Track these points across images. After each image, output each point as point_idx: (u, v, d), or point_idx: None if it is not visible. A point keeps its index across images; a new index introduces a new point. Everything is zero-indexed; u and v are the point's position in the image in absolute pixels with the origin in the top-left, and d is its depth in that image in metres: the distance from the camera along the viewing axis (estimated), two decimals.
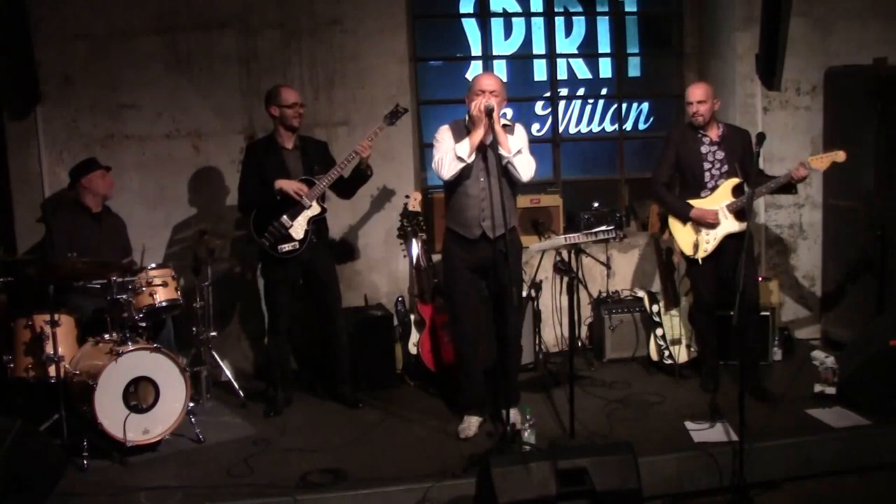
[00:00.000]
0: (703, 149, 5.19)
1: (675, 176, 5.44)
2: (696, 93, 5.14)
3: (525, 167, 4.59)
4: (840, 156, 4.97)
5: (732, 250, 5.02)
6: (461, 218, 4.70)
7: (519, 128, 4.75)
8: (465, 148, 4.54)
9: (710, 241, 5.17)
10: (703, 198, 5.20)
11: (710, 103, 5.13)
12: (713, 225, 5.13)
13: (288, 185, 4.98)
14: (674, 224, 5.32)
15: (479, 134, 4.53)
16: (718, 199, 5.15)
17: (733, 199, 5.11)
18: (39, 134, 5.66)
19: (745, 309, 5.06)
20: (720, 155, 5.17)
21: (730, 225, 5.11)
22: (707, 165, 5.18)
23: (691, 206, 5.18)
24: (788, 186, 5.11)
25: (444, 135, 4.69)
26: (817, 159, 5.01)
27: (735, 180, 5.13)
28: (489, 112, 4.46)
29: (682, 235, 5.27)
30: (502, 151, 4.51)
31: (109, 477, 4.39)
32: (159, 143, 5.87)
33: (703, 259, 5.19)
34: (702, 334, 5.47)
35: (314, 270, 5.20)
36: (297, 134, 5.19)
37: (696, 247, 5.19)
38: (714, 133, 5.19)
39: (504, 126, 4.62)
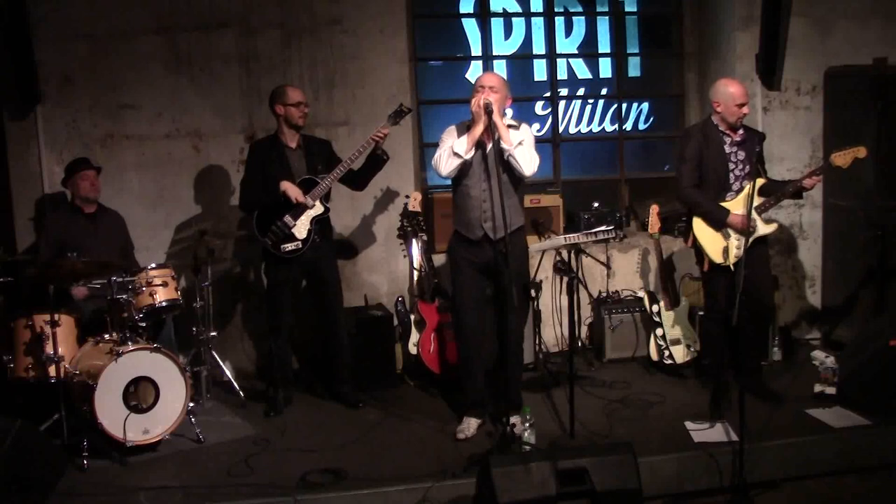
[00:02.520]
0: (727, 149, 5.04)
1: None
2: (746, 93, 5.01)
3: (526, 161, 4.58)
4: (861, 151, 4.86)
5: (756, 257, 4.95)
6: (464, 219, 4.70)
7: (524, 126, 4.74)
8: (463, 144, 4.54)
9: (740, 245, 4.95)
10: (728, 200, 5.03)
11: None
12: (750, 231, 4.91)
13: (291, 191, 4.98)
14: (701, 230, 5.08)
15: (477, 130, 4.53)
16: (745, 201, 4.87)
17: (760, 201, 4.97)
18: (39, 134, 5.66)
19: (760, 313, 5.13)
20: (741, 155, 5.02)
21: (760, 228, 4.99)
22: (731, 166, 5.04)
23: (728, 211, 4.98)
24: (798, 193, 5.04)
25: (448, 135, 4.70)
26: (840, 156, 4.87)
27: (760, 181, 4.98)
28: (488, 109, 4.46)
29: (711, 241, 5.05)
30: (503, 144, 4.51)
31: (109, 477, 4.39)
32: (159, 143, 5.87)
33: (734, 265, 4.96)
34: (713, 345, 5.25)
35: (317, 271, 5.20)
36: (301, 133, 5.19)
37: (725, 252, 5.00)
38: (737, 134, 5.05)
39: (509, 126, 4.62)
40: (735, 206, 5.01)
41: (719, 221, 5.02)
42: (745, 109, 4.99)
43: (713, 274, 5.10)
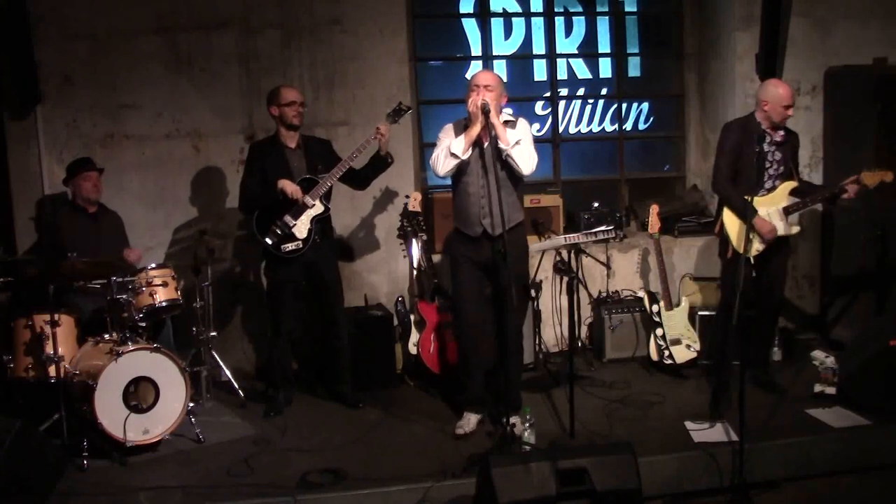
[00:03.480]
0: (766, 147, 5.07)
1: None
2: (793, 95, 5.08)
3: (524, 159, 4.58)
4: (889, 175, 4.97)
5: (777, 252, 5.09)
6: (463, 216, 4.71)
7: (522, 122, 4.74)
8: (460, 145, 4.54)
9: (762, 242, 5.06)
10: (759, 196, 5.07)
11: None
12: (770, 238, 5.03)
13: (288, 186, 4.98)
14: (730, 218, 5.13)
15: (474, 130, 4.54)
16: (776, 200, 5.08)
17: (788, 203, 5.07)
18: (39, 134, 5.66)
19: (770, 310, 5.22)
20: (778, 156, 5.10)
21: (783, 227, 5.07)
22: (766, 164, 5.10)
23: (755, 212, 5.00)
24: (833, 198, 5.12)
25: (445, 134, 4.71)
26: (869, 175, 4.98)
27: (792, 183, 5.09)
28: (485, 109, 4.46)
29: (737, 231, 5.09)
30: (501, 144, 4.52)
31: (109, 477, 4.39)
32: (159, 143, 5.87)
33: (752, 258, 5.04)
34: (721, 338, 5.24)
35: (318, 271, 5.20)
36: (301, 133, 5.19)
37: (749, 245, 5.00)
38: (778, 134, 5.12)
39: (506, 122, 4.62)
40: (762, 203, 5.07)
41: (744, 218, 5.02)
42: (790, 111, 5.07)
43: (732, 263, 5.09)
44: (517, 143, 4.57)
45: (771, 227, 5.02)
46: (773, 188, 5.11)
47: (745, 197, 5.00)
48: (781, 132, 5.13)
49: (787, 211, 5.07)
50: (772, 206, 5.07)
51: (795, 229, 5.13)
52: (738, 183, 5.14)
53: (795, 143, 5.22)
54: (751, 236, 5.03)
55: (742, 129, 5.16)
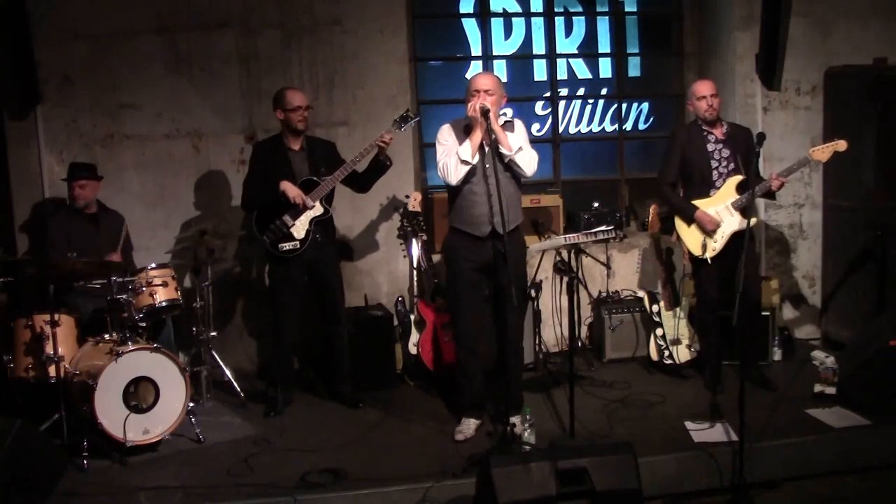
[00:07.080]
0: (710, 147, 5.22)
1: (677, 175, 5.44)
2: (708, 86, 5.20)
3: (527, 163, 4.60)
4: (841, 145, 5.00)
5: (739, 249, 5.07)
6: (468, 216, 4.67)
7: (518, 124, 4.76)
8: (468, 151, 4.55)
9: (717, 240, 5.19)
10: (711, 196, 5.22)
11: (718, 97, 5.21)
12: (713, 229, 5.15)
13: (290, 190, 4.99)
14: (681, 225, 5.34)
15: (477, 135, 4.54)
16: (723, 197, 5.18)
17: (737, 197, 5.15)
18: (39, 134, 5.66)
19: (747, 308, 5.14)
20: (726, 153, 5.20)
21: (736, 223, 5.14)
22: (714, 164, 5.22)
23: (696, 208, 5.20)
24: (770, 193, 5.19)
25: (446, 136, 4.69)
26: (819, 150, 5.03)
27: (738, 177, 5.16)
28: (485, 113, 4.46)
29: (690, 236, 5.28)
30: (504, 150, 4.53)
31: (109, 477, 4.40)
32: (159, 143, 5.87)
33: (711, 259, 5.21)
34: (707, 334, 5.45)
35: (319, 271, 5.20)
36: (305, 135, 5.20)
37: (704, 247, 5.21)
38: (719, 131, 5.23)
39: (504, 124, 4.63)
40: (710, 203, 5.19)
41: (688, 218, 5.24)
42: (704, 102, 5.15)
43: (697, 264, 5.33)
44: (520, 148, 4.58)
45: (711, 219, 5.13)
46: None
47: (693, 202, 5.17)
48: (723, 128, 5.21)
49: (734, 206, 5.14)
50: (719, 204, 5.18)
51: (752, 221, 5.12)
52: (689, 186, 5.30)
53: (746, 137, 5.25)
54: (704, 239, 5.19)
55: (686, 133, 5.30)
